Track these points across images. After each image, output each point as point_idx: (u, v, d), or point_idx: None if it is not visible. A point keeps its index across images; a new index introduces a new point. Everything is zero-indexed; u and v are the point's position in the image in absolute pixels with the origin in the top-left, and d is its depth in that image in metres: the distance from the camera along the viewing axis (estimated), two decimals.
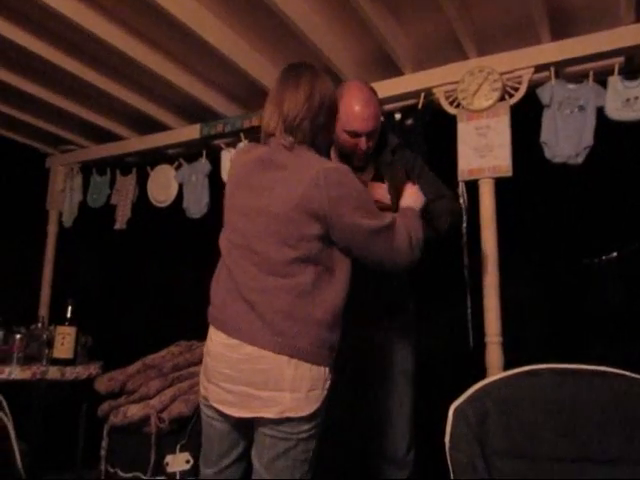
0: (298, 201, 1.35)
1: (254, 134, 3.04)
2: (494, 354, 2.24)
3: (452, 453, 1.43)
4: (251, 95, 2.95)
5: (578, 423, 1.50)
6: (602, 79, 2.30)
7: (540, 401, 1.54)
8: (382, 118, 2.40)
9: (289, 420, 1.32)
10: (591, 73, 2.31)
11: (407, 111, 2.69)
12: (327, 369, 1.39)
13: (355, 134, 1.75)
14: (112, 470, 2.37)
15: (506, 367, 2.13)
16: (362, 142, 1.77)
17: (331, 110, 1.51)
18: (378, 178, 1.87)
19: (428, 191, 1.87)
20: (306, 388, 1.34)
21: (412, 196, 1.67)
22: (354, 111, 1.73)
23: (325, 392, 1.38)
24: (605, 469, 1.45)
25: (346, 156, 1.82)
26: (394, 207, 1.66)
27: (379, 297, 1.84)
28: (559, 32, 2.28)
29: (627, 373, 1.55)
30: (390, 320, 1.89)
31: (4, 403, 1.91)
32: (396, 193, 1.69)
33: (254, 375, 1.34)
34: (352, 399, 1.85)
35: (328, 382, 1.39)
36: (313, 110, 1.44)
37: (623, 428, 1.48)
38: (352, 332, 1.51)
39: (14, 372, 2.56)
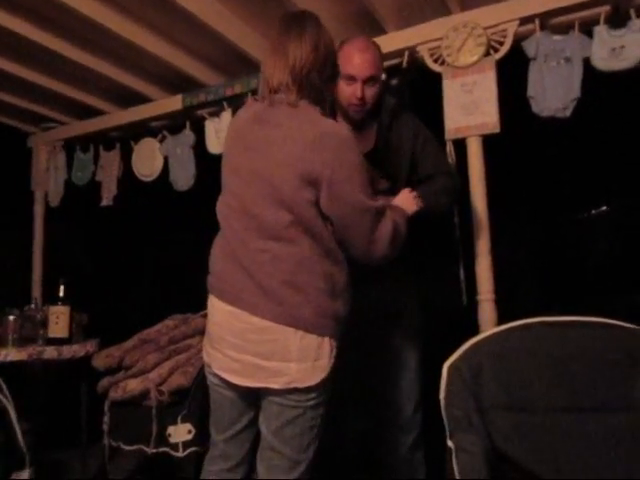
0: (293, 162, 1.30)
1: (237, 101, 2.98)
2: (487, 311, 2.26)
3: (447, 409, 1.46)
4: (232, 62, 2.88)
5: (569, 373, 1.53)
6: (588, 29, 2.25)
7: (532, 353, 1.56)
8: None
9: (296, 390, 1.31)
10: (577, 23, 2.26)
11: (392, 71, 2.64)
12: (332, 339, 1.36)
13: (351, 78, 1.74)
14: (115, 444, 2.40)
15: (499, 324, 2.15)
16: (357, 88, 1.74)
17: (334, 63, 1.47)
18: (373, 150, 1.84)
19: (429, 164, 1.87)
20: (312, 358, 1.31)
21: (406, 200, 1.64)
22: (350, 55, 1.74)
23: (332, 360, 1.35)
24: (597, 417, 1.48)
25: (345, 113, 1.82)
26: None
27: None
28: None
29: (615, 322, 1.57)
30: (392, 280, 1.88)
31: (3, 385, 1.91)
32: None
33: (261, 345, 1.32)
34: (356, 364, 1.83)
35: (334, 351, 1.36)
36: (320, 61, 1.38)
37: (612, 376, 1.51)
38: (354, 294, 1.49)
39: (10, 354, 2.55)
